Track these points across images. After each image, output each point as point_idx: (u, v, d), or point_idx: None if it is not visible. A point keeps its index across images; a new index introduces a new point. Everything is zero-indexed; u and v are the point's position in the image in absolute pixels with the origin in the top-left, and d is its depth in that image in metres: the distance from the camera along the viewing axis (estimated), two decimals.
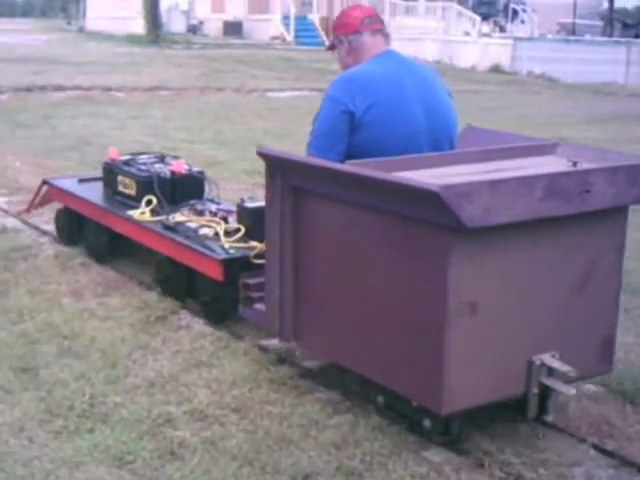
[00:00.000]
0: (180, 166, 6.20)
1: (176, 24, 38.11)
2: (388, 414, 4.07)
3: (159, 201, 5.94)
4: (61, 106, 15.37)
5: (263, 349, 4.80)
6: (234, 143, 11.35)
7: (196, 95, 17.71)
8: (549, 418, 3.90)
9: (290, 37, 36.09)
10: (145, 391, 4.29)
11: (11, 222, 7.32)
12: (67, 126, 11.22)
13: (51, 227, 7.05)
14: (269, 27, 37.29)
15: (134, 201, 6.05)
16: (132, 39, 32.61)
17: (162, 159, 6.50)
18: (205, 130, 13.02)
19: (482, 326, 3.65)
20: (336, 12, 35.93)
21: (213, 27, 38.77)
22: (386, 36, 4.80)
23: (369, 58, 4.63)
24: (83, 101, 16.22)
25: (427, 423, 3.89)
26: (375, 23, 4.75)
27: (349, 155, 4.38)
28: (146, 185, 6.02)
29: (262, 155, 4.32)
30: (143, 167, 6.25)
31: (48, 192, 7.04)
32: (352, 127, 4.40)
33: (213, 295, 5.26)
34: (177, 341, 4.92)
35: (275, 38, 36.30)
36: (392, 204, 3.71)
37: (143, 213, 5.86)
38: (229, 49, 31.83)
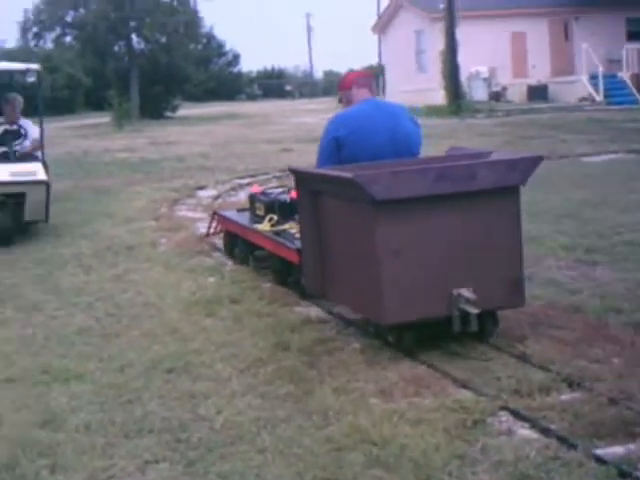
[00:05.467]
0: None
1: (478, 92, 37.94)
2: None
3: (277, 217, 8.18)
4: None
5: (600, 460, 4.08)
6: (547, 214, 10.56)
7: None
8: (472, 329, 5.61)
9: (599, 97, 35.03)
10: None
11: (315, 311, 6.99)
12: None
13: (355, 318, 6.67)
14: (576, 88, 36.30)
15: (262, 219, 8.37)
16: (433, 111, 32.53)
17: (288, 191, 8.56)
18: None
19: (406, 266, 5.60)
20: None
21: (517, 93, 38.26)
22: (371, 89, 7.21)
23: (356, 104, 6.96)
24: None
25: (390, 338, 5.83)
26: (362, 81, 7.15)
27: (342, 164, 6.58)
28: (269, 207, 8.44)
29: (292, 171, 6.79)
30: (271, 196, 8.68)
31: (217, 220, 9.79)
32: (338, 147, 6.76)
33: (296, 276, 7.28)
34: (498, 449, 4.29)
35: (583, 99, 35.31)
36: (344, 190, 5.86)
37: (264, 226, 8.16)
38: (534, 114, 31.13)
